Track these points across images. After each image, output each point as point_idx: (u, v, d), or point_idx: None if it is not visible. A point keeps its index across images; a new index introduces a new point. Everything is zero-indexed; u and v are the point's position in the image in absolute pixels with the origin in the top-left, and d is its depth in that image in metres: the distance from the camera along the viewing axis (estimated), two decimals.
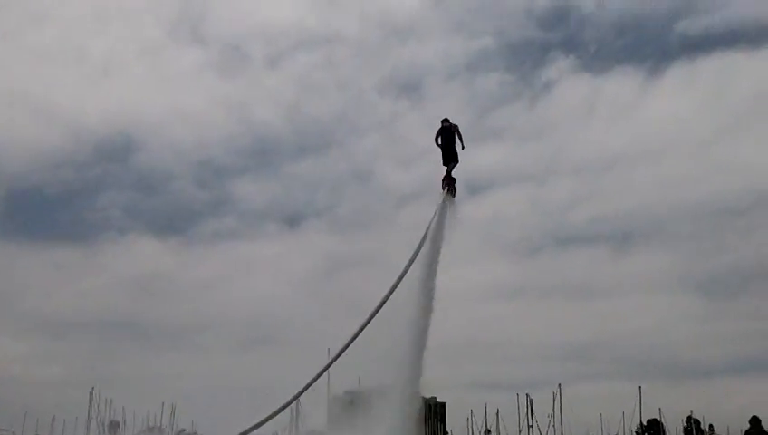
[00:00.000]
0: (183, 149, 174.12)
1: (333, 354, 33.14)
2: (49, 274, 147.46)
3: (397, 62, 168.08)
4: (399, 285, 29.26)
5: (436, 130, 30.15)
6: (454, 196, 30.09)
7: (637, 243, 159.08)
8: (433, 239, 29.32)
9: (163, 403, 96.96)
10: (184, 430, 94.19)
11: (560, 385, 77.29)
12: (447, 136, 29.94)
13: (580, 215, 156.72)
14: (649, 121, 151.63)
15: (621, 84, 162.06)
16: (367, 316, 29.24)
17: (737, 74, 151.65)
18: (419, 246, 29.25)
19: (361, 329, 29.26)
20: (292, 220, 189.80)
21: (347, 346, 29.40)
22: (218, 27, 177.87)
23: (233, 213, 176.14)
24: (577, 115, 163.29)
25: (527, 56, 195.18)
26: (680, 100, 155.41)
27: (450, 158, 30.04)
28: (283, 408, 29.80)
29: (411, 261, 29.23)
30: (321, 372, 29.91)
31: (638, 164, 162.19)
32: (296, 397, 30.18)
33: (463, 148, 29.83)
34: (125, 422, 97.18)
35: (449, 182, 30.13)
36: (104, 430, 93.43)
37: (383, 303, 28.95)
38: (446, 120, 30.17)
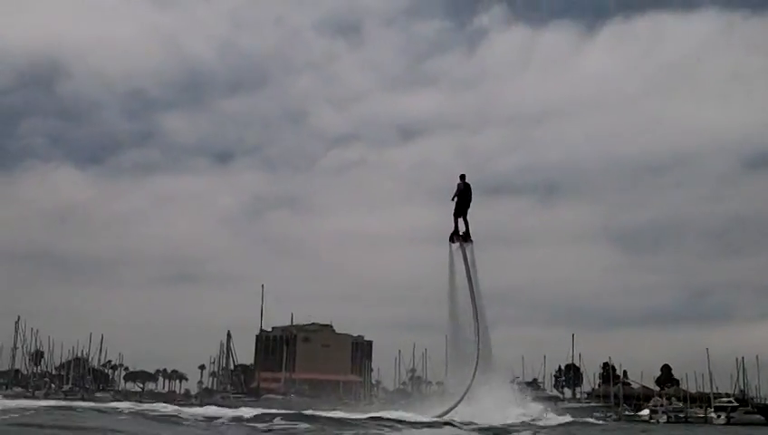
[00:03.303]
0: (111, 78, 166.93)
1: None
2: None
3: (335, 1, 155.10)
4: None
5: (457, 186, 32.97)
6: (471, 241, 33.44)
7: (562, 194, 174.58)
8: (473, 284, 32.41)
9: (91, 334, 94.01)
10: None
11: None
12: (464, 192, 33.08)
13: (509, 164, 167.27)
14: (582, 76, 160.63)
15: (558, 38, 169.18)
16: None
17: (668, 35, 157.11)
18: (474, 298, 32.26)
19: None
20: (222, 157, 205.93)
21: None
22: None
23: (160, 147, 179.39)
24: (512, 66, 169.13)
25: (465, 3, 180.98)
26: (613, 57, 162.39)
27: (461, 212, 33.30)
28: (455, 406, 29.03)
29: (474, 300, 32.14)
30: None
31: (569, 117, 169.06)
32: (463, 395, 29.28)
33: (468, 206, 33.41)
34: (51, 352, 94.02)
35: (463, 237, 33.26)
36: (30, 359, 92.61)
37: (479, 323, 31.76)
38: (463, 176, 33.37)
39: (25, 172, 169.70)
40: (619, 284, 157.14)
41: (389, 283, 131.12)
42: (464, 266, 33.35)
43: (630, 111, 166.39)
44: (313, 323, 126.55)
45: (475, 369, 31.88)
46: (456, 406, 29.98)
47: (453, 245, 34.01)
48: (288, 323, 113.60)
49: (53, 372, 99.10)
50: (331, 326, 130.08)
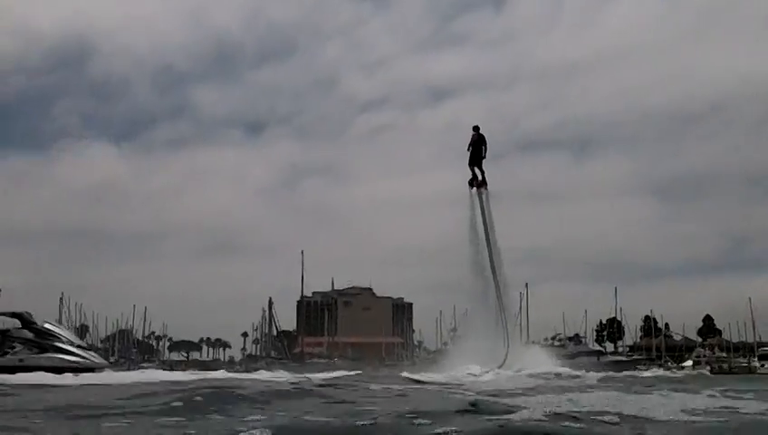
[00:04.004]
0: (140, 54, 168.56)
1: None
2: (3, 184, 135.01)
3: None
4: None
5: (471, 137, 35.39)
6: (486, 188, 35.87)
7: (596, 148, 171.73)
8: (490, 229, 34.79)
9: (134, 306, 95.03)
10: None
11: (526, 285, 71.29)
12: (477, 142, 35.27)
13: (542, 121, 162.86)
14: (612, 28, 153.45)
15: None
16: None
17: None
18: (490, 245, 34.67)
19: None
20: (254, 128, 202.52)
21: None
22: None
23: (193, 120, 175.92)
24: (541, 20, 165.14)
25: None
26: (642, 6, 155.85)
27: (475, 161, 35.46)
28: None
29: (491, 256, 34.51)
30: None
31: (600, 70, 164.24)
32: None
33: (485, 157, 35.75)
34: (96, 326, 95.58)
35: (480, 183, 35.59)
36: (75, 333, 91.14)
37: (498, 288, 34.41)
38: (476, 128, 35.61)
39: (61, 152, 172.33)
40: (658, 236, 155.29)
41: (425, 246, 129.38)
42: (480, 211, 36.48)
43: (662, 60, 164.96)
44: (353, 287, 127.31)
45: (504, 320, 35.22)
46: (504, 362, 31.89)
47: (472, 190, 37.09)
48: (327, 288, 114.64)
49: (99, 346, 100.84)
50: (371, 290, 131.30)
